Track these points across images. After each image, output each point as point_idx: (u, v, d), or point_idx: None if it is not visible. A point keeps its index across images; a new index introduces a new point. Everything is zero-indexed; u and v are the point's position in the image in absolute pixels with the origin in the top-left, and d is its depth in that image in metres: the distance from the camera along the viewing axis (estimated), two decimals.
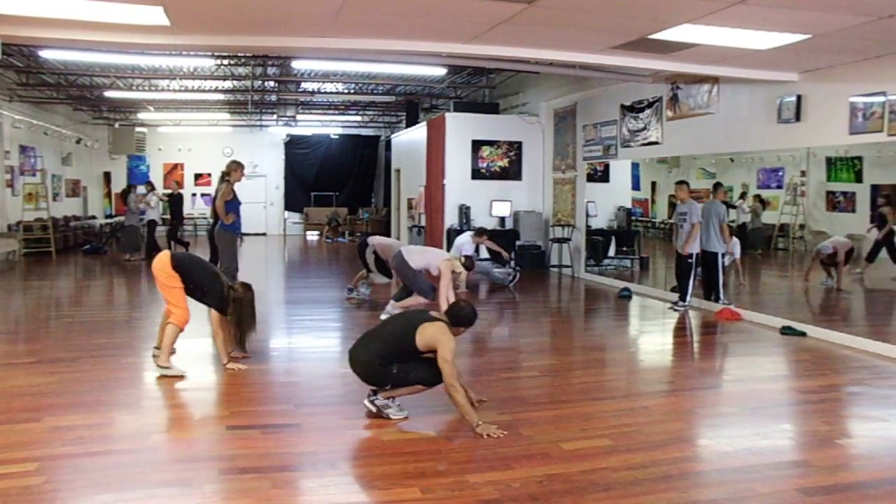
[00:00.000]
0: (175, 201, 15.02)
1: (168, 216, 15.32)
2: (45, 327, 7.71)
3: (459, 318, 4.39)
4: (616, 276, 11.51)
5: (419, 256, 7.68)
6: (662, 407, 4.87)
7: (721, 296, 8.61)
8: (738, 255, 9.44)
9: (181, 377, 5.35)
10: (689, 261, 8.61)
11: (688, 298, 8.73)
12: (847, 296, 8.91)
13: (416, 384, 4.37)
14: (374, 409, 4.36)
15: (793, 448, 4.17)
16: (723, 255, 8.67)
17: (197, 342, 6.58)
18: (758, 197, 10.04)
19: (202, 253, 14.59)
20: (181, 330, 5.47)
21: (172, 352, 5.53)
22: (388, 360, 4.30)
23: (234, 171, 7.81)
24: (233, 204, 7.83)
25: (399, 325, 4.46)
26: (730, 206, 10.15)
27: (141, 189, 15.07)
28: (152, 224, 14.59)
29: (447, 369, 4.10)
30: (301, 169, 22.54)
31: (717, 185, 9.02)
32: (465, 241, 10.18)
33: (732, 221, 10.30)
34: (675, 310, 8.68)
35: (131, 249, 14.03)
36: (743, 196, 10.24)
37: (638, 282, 11.30)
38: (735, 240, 9.23)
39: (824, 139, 7.44)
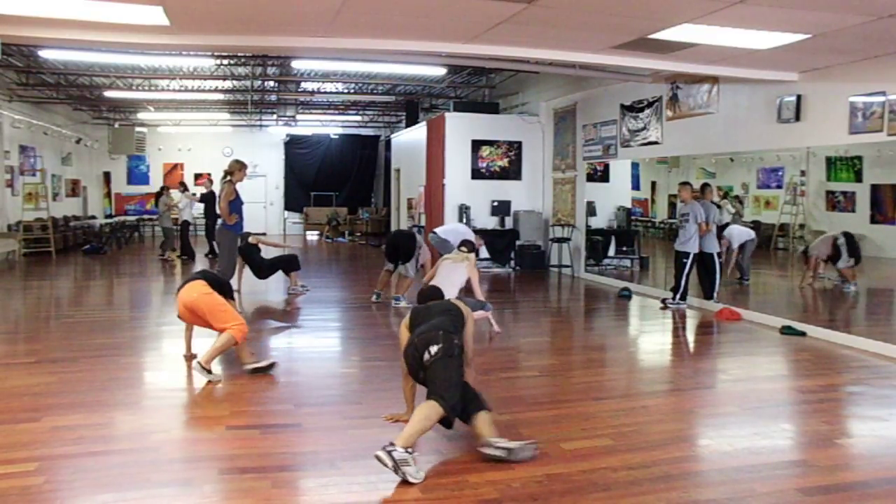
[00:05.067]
0: (208, 200, 14.88)
1: (203, 216, 15.16)
2: (45, 327, 7.71)
3: (432, 293, 4.62)
4: (616, 276, 11.52)
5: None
6: (662, 407, 4.87)
7: (714, 296, 8.64)
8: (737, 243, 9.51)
9: (219, 381, 5.31)
10: (685, 260, 8.61)
11: (676, 297, 8.77)
12: (848, 294, 8.91)
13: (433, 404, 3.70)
14: (389, 464, 3.44)
15: (793, 448, 4.17)
16: (719, 255, 8.69)
17: (198, 342, 6.58)
18: (736, 197, 10.11)
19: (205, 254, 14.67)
20: (237, 343, 5.38)
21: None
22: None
23: (236, 170, 7.78)
24: (235, 204, 7.82)
25: (441, 305, 4.27)
26: (717, 206, 10.19)
27: (175, 192, 15.09)
28: (185, 225, 14.62)
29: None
30: (301, 169, 22.54)
31: (705, 186, 9.05)
32: (460, 230, 9.81)
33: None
34: (668, 306, 8.77)
35: (167, 249, 14.14)
36: (725, 196, 10.25)
37: (638, 281, 11.30)
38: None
39: (824, 139, 7.44)
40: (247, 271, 9.62)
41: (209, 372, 5.27)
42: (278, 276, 10.01)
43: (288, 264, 9.76)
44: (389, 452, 3.43)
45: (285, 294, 9.68)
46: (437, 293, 4.63)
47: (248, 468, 3.65)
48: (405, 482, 3.41)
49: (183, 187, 15.20)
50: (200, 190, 15.76)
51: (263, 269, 9.69)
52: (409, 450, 3.47)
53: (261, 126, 21.65)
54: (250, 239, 9.66)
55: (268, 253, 9.99)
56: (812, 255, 8.67)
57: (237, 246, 8.07)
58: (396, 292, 8.83)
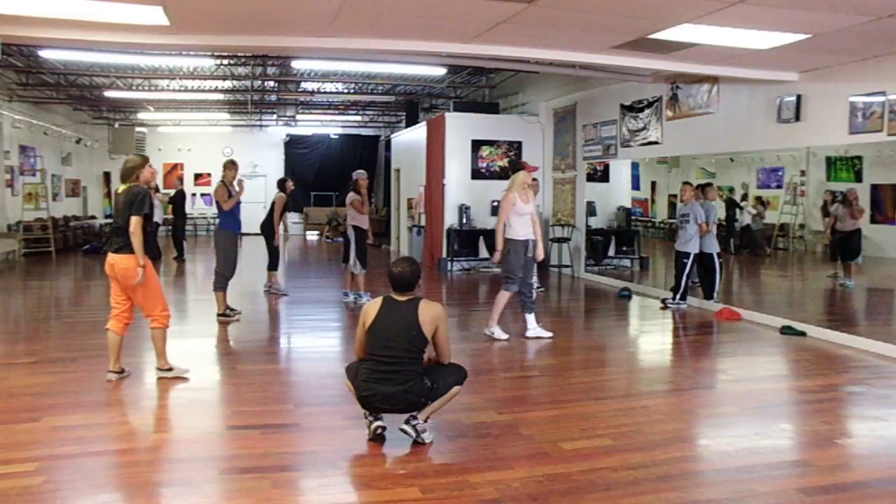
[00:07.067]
0: (177, 200, 14.96)
1: (171, 216, 15.22)
2: (45, 327, 7.71)
3: (407, 281, 3.95)
4: (616, 276, 11.51)
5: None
6: (662, 407, 4.87)
7: (714, 295, 8.65)
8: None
9: (185, 376, 5.33)
10: (685, 260, 8.63)
11: (676, 297, 8.78)
12: (847, 291, 8.91)
13: (451, 388, 3.99)
14: (413, 434, 3.90)
15: (793, 448, 4.17)
16: (719, 255, 8.69)
17: (198, 342, 6.59)
18: (759, 199, 10.07)
19: (209, 254, 14.65)
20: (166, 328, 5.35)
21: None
22: (419, 374, 3.90)
23: (225, 170, 7.94)
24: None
25: (401, 330, 3.87)
26: (737, 206, 10.19)
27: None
28: (155, 226, 14.54)
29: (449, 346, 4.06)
30: (301, 169, 22.54)
31: (707, 185, 9.07)
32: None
33: (736, 221, 10.32)
34: (668, 306, 8.79)
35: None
36: (745, 198, 10.25)
37: (638, 281, 11.30)
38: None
39: (824, 139, 7.44)
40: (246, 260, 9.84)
41: (171, 369, 5.32)
42: (277, 275, 10.08)
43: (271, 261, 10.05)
44: (414, 426, 3.88)
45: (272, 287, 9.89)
46: (407, 281, 3.94)
47: (248, 468, 3.64)
48: (404, 484, 3.41)
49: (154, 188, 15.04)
50: (170, 192, 15.82)
51: (271, 248, 10.08)
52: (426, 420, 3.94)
53: (261, 126, 21.65)
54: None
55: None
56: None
57: (236, 246, 8.06)
58: (357, 289, 9.06)
